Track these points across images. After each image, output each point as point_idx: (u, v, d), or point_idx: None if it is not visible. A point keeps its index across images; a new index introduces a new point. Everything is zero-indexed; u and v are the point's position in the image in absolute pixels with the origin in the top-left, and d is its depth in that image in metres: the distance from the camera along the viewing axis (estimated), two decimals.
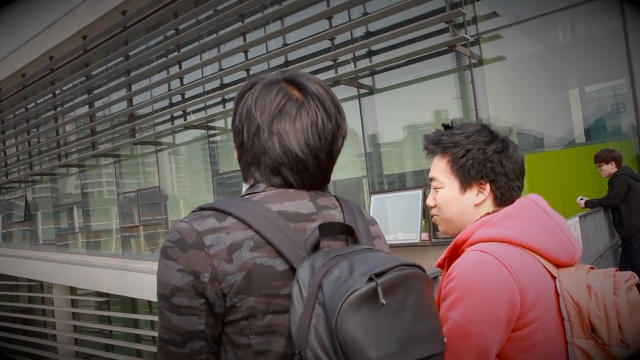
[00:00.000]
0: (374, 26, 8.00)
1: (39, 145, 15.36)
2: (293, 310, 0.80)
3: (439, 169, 1.28)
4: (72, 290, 14.38)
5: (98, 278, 11.93)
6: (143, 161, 12.77)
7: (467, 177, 1.24)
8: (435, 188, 1.30)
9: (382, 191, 8.22)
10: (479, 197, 1.24)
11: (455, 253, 1.23)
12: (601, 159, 5.13)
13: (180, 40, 10.32)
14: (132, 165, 13.24)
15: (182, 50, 10.39)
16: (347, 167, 9.03)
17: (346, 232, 0.93)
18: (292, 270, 0.85)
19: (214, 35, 9.86)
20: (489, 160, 1.23)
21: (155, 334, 10.02)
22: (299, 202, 0.94)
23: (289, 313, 0.82)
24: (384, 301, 0.74)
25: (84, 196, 14.51)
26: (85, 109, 13.26)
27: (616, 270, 1.15)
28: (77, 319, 14.50)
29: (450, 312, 1.08)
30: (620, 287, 1.08)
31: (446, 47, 6.96)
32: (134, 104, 11.74)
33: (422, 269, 0.83)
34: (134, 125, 11.73)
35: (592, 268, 1.18)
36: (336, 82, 8.01)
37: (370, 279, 0.75)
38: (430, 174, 1.31)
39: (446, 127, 1.31)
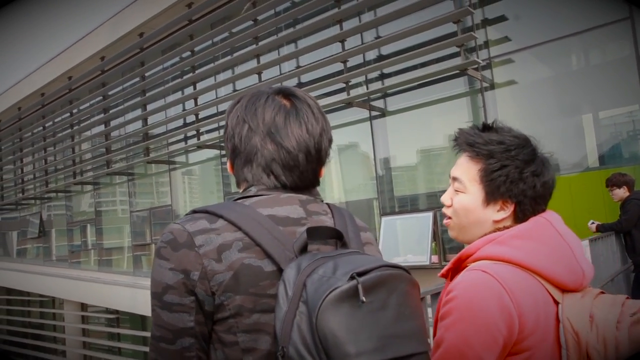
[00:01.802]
0: (386, 49, 8.07)
1: (55, 163, 15.60)
2: (278, 308, 0.82)
3: (467, 173, 1.20)
4: (83, 306, 14.41)
5: (109, 295, 11.96)
6: (156, 180, 12.88)
7: (495, 193, 1.16)
8: (456, 190, 1.22)
9: (392, 213, 8.19)
10: (500, 214, 1.17)
11: (459, 266, 1.20)
12: (613, 182, 5.08)
13: (195, 61, 10.49)
14: (145, 185, 13.37)
15: (197, 72, 10.56)
16: (358, 189, 9.03)
17: (335, 237, 0.95)
18: (280, 271, 0.87)
19: (229, 57, 10.01)
20: (524, 181, 1.15)
21: None
22: (289, 207, 0.97)
23: (275, 311, 0.83)
24: (364, 298, 0.76)
25: (97, 214, 14.64)
26: (101, 127, 13.47)
27: (626, 299, 1.09)
28: (87, 336, 14.50)
29: (448, 334, 1.05)
30: (624, 320, 1.03)
31: (458, 71, 6.99)
32: (148, 123, 11.90)
33: (407, 271, 0.85)
34: (148, 144, 11.87)
35: (601, 292, 1.12)
36: (348, 104, 8.07)
37: (352, 278, 0.77)
38: (454, 173, 1.22)
39: (485, 127, 1.22)
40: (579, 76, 7.05)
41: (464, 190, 1.20)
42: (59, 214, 16.76)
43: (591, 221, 5.26)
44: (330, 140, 1.06)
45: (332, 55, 8.26)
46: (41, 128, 16.05)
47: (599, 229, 5.14)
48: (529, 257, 1.11)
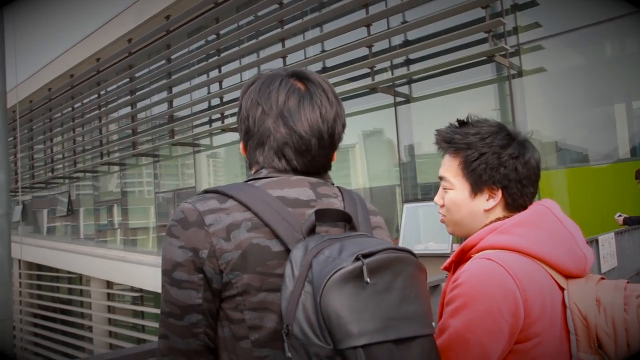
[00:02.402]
0: (412, 34, 7.95)
1: (83, 143, 15.92)
2: (284, 287, 0.83)
3: (450, 169, 1.23)
4: (109, 284, 14.80)
5: (133, 274, 12.24)
6: (181, 162, 13.05)
7: (478, 182, 1.19)
8: (445, 188, 1.25)
9: (415, 200, 8.14)
10: (490, 203, 1.19)
11: (463, 257, 1.20)
12: None
13: (220, 44, 10.52)
14: (170, 166, 13.56)
15: (222, 55, 10.59)
16: (381, 176, 8.99)
17: (344, 219, 0.95)
18: (288, 252, 0.88)
19: (254, 41, 10.01)
20: (503, 165, 1.16)
21: None
22: (299, 189, 0.97)
23: (281, 290, 0.84)
24: (368, 279, 0.76)
25: (123, 194, 14.93)
26: (128, 109, 13.67)
27: (627, 283, 1.10)
28: (112, 313, 14.90)
29: (452, 320, 1.06)
30: (631, 302, 1.04)
31: (485, 57, 6.85)
32: (174, 105, 12.03)
33: (414, 255, 0.85)
34: (173, 126, 12.01)
35: (602, 279, 1.13)
36: (373, 89, 8.00)
37: (357, 259, 0.77)
38: (440, 173, 1.26)
39: (461, 123, 1.25)
40: (612, 64, 6.84)
41: (451, 186, 1.23)
42: (87, 193, 17.16)
43: (618, 213, 5.17)
44: (343, 126, 1.05)
45: (357, 40, 8.18)
46: (70, 109, 16.37)
47: (626, 221, 5.05)
48: (532, 244, 1.11)
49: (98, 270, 14.09)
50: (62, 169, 17.41)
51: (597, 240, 3.91)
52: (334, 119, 1.01)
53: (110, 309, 15.07)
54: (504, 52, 6.68)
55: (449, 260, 1.24)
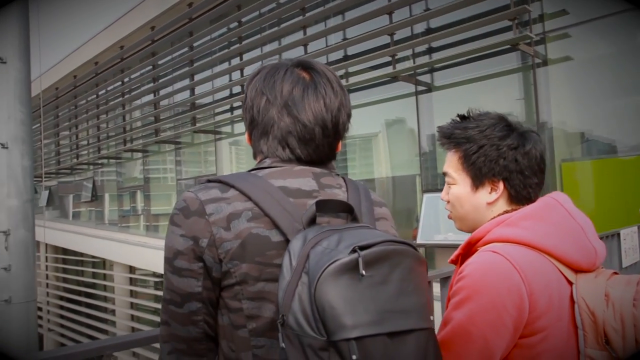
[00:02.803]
0: (434, 22, 7.83)
1: (107, 130, 16.16)
2: (282, 278, 0.83)
3: (452, 164, 1.24)
4: (131, 269, 15.08)
5: (155, 259, 12.43)
6: (203, 150, 13.16)
7: (479, 175, 1.19)
8: (449, 184, 1.26)
9: (435, 190, 8.07)
10: (492, 196, 1.19)
11: (469, 251, 1.20)
12: None
13: (242, 32, 10.53)
14: (192, 153, 13.68)
15: (243, 42, 10.60)
16: (401, 165, 8.93)
17: (345, 210, 0.95)
18: (287, 242, 0.89)
19: (275, 28, 9.99)
20: (502, 157, 1.16)
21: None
22: (302, 180, 0.98)
23: (278, 281, 0.85)
24: (363, 272, 0.76)
25: (145, 181, 15.14)
26: (151, 96, 13.81)
27: None
28: (135, 297, 15.20)
29: (455, 312, 1.06)
30: None
31: (509, 46, 6.71)
32: (195, 93, 12.11)
33: (414, 247, 0.84)
34: (195, 114, 12.11)
35: (615, 273, 1.11)
36: (394, 77, 7.93)
37: (354, 251, 0.77)
38: (444, 169, 1.27)
39: (462, 117, 1.26)
40: None
41: (454, 181, 1.23)
42: (111, 179, 17.45)
43: None
44: (349, 115, 1.05)
45: (379, 28, 8.10)
46: (94, 96, 16.61)
47: None
48: (539, 238, 1.10)
49: (121, 255, 14.36)
50: (86, 155, 17.72)
51: (618, 234, 3.83)
52: (338, 108, 1.01)
53: (132, 294, 15.38)
54: (528, 41, 6.55)
55: (455, 253, 1.25)
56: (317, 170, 1.01)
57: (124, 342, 1.34)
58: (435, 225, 7.80)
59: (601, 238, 1.24)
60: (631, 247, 4.04)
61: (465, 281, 1.07)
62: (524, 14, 6.65)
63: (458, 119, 1.26)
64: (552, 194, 1.21)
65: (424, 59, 7.99)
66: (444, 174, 1.27)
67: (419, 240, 7.11)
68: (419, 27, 8.05)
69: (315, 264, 0.79)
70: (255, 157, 1.08)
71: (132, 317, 15.19)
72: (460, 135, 1.21)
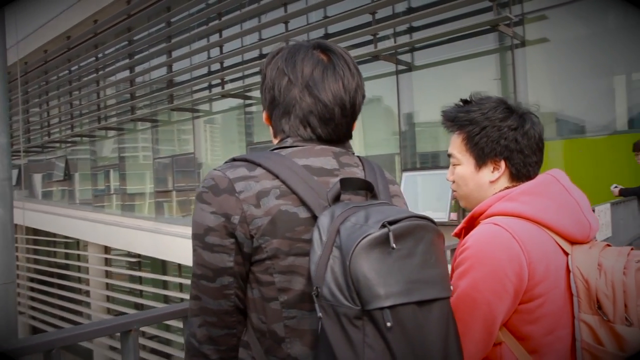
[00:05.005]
0: (416, 2, 7.89)
1: (80, 107, 15.77)
2: (313, 252, 0.88)
3: (456, 145, 1.31)
4: (106, 249, 14.90)
5: (131, 239, 12.31)
6: (179, 128, 13.00)
7: (481, 155, 1.26)
8: (454, 165, 1.33)
9: (414, 169, 8.21)
10: (495, 175, 1.26)
11: (472, 224, 1.27)
12: (639, 147, 5.03)
13: (221, 8, 10.37)
14: (168, 132, 13.50)
15: (223, 19, 10.45)
16: (381, 143, 9.03)
17: (366, 188, 1.01)
18: (314, 218, 0.93)
19: (256, 5, 9.88)
20: (503, 137, 1.23)
21: (184, 296, 10.24)
22: (324, 159, 1.02)
23: (309, 255, 0.89)
24: (394, 245, 0.81)
25: (120, 159, 14.90)
26: (126, 73, 13.52)
27: (631, 249, 1.16)
28: (110, 278, 15.05)
29: (460, 281, 1.13)
30: (630, 267, 1.10)
31: (489, 27, 6.82)
32: (173, 70, 11.91)
33: (433, 222, 0.90)
34: (172, 91, 11.93)
35: (607, 245, 1.20)
36: (375, 57, 7.97)
37: (383, 226, 0.83)
38: (449, 151, 1.33)
39: (465, 102, 1.32)
40: (615, 35, 6.83)
41: (458, 162, 1.30)
42: (84, 158, 17.10)
43: (614, 185, 5.24)
44: (363, 96, 1.10)
45: (360, 6, 8.10)
46: (67, 72, 16.17)
47: (622, 193, 5.13)
48: (538, 211, 1.17)
49: (95, 235, 14.15)
50: (58, 133, 17.29)
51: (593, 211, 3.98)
52: (355, 89, 1.06)
53: (107, 274, 15.21)
54: (508, 22, 6.66)
55: (459, 226, 1.32)
56: (336, 149, 1.05)
57: (150, 317, 1.37)
58: (414, 204, 7.95)
59: None
60: (604, 223, 4.23)
61: (469, 252, 1.14)
62: None
63: (461, 103, 1.34)
64: (550, 171, 1.29)
65: (405, 39, 8.04)
66: (449, 156, 1.34)
67: None
68: (400, 7, 8.08)
69: (347, 238, 0.83)
70: (275, 136, 1.10)
71: (108, 298, 15.06)
72: (463, 118, 1.28)
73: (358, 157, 1.11)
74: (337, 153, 1.05)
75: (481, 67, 7.59)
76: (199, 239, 0.97)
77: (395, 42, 8.12)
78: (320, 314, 0.83)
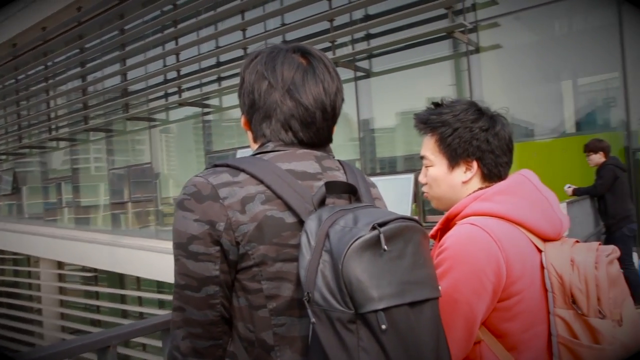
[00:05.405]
0: (373, 9, 8.00)
1: (28, 118, 15.17)
2: (302, 257, 0.86)
3: (429, 147, 1.32)
4: (60, 264, 14.33)
5: (86, 253, 11.91)
6: (135, 138, 12.69)
7: (454, 156, 1.28)
8: (426, 166, 1.34)
9: (374, 174, 8.30)
10: (467, 175, 1.28)
11: (448, 225, 1.28)
12: (590, 148, 5.23)
13: (177, 15, 10.23)
14: (123, 142, 13.16)
15: (179, 26, 10.30)
16: (340, 150, 9.09)
17: (349, 191, 1.00)
18: (300, 223, 0.92)
19: (212, 12, 9.78)
20: (475, 138, 1.25)
21: (144, 310, 9.94)
22: (306, 163, 1.01)
23: (298, 260, 0.88)
24: (385, 247, 0.81)
25: (73, 171, 14.40)
26: (78, 82, 13.10)
27: (599, 244, 1.20)
28: (64, 294, 14.47)
29: (440, 282, 1.10)
30: (601, 261, 1.14)
31: (444, 33, 7.00)
32: (128, 78, 11.63)
33: (420, 223, 0.91)
34: (127, 100, 11.64)
35: (577, 242, 1.23)
36: (334, 63, 8.01)
37: (374, 228, 0.82)
38: (421, 152, 1.35)
39: (436, 105, 1.34)
40: (562, 42, 7.15)
41: (431, 163, 1.32)
42: (33, 170, 16.43)
43: (568, 185, 5.42)
44: (342, 100, 1.10)
45: (318, 14, 8.16)
46: (13, 81, 15.52)
47: (575, 192, 5.30)
48: (513, 210, 1.20)
49: (47, 251, 13.59)
50: (5, 145, 16.55)
51: None
52: (335, 92, 1.06)
53: (61, 291, 14.63)
54: (462, 29, 6.85)
55: (435, 228, 1.32)
56: (318, 153, 1.04)
57: (129, 332, 1.31)
58: None
59: None
60: None
61: (447, 253, 1.14)
62: (458, 3, 6.94)
63: (433, 106, 1.36)
64: (521, 171, 1.32)
65: (363, 45, 8.14)
66: (422, 158, 1.36)
67: None
68: (358, 14, 8.19)
69: (338, 241, 0.82)
70: (255, 140, 1.08)
71: (62, 316, 14.47)
72: (436, 120, 1.29)
73: (338, 160, 1.10)
74: (319, 157, 1.04)
75: (437, 73, 7.77)
76: (182, 248, 0.94)
77: (353, 49, 8.20)
78: (313, 320, 0.82)
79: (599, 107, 7.10)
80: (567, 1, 6.68)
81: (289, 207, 0.93)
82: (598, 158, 5.17)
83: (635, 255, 5.31)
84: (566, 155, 6.36)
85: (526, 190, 1.26)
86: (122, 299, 12.73)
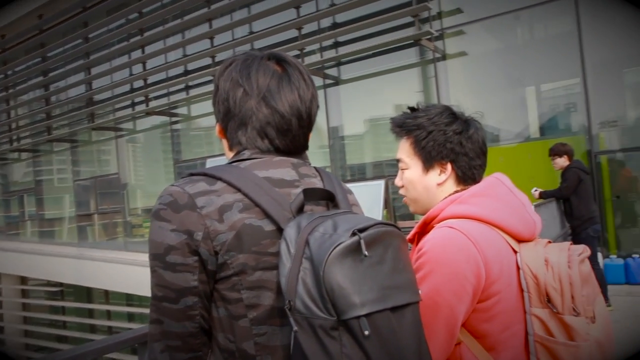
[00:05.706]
0: (341, 17, 8.08)
1: None
2: (282, 265, 0.85)
3: (404, 150, 1.33)
4: (23, 280, 13.86)
5: (52, 267, 11.56)
6: (101, 148, 12.43)
7: (429, 158, 1.29)
8: (402, 169, 1.35)
9: (344, 181, 8.32)
10: (441, 177, 1.30)
11: (425, 229, 1.29)
12: (555, 152, 5.36)
13: (143, 24, 10.09)
14: (89, 152, 12.86)
15: (145, 34, 10.17)
16: (310, 157, 9.08)
17: (327, 198, 1.00)
18: (279, 231, 0.91)
19: (179, 20, 9.70)
20: (449, 141, 1.27)
21: (113, 324, 9.68)
22: (283, 170, 1.00)
23: (278, 268, 0.87)
24: (366, 253, 0.81)
25: (37, 183, 13.99)
26: (40, 91, 12.77)
27: (570, 244, 1.23)
28: (28, 310, 13.99)
29: (421, 286, 1.13)
30: (573, 260, 1.16)
31: (411, 41, 7.11)
32: (93, 88, 11.40)
33: (398, 228, 0.90)
34: (92, 110, 11.40)
35: (549, 242, 1.26)
36: None
37: (354, 234, 0.82)
38: (397, 156, 1.36)
39: (412, 109, 1.36)
40: (525, 50, 7.35)
41: (407, 166, 1.33)
42: None
43: (534, 188, 5.54)
44: (318, 106, 1.09)
45: (286, 22, 8.18)
46: None
47: (542, 195, 5.42)
48: (489, 212, 1.22)
49: (9, 266, 13.14)
50: None
51: None
52: (311, 99, 1.05)
53: (25, 307, 14.14)
54: (429, 36, 6.98)
55: (412, 232, 1.33)
56: (295, 160, 1.04)
57: (106, 346, 1.24)
58: None
59: None
60: None
61: (427, 256, 1.15)
62: (425, 11, 7.07)
63: (409, 110, 1.37)
64: (494, 174, 1.34)
65: (331, 53, 8.20)
66: (398, 161, 1.37)
67: None
68: (326, 22, 8.25)
69: (318, 248, 0.82)
70: (230, 148, 1.07)
71: (26, 333, 13.98)
72: (411, 123, 1.31)
73: (315, 167, 1.10)
74: (296, 164, 1.04)
75: (405, 79, 7.88)
76: (159, 259, 0.91)
77: (321, 56, 8.25)
78: (295, 328, 0.81)
79: (561, 112, 7.31)
80: (529, 9, 6.88)
81: (267, 215, 0.92)
82: (563, 161, 5.30)
83: (599, 255, 5.46)
84: (531, 159, 6.52)
85: (501, 193, 1.28)
86: (90, 313, 12.39)
